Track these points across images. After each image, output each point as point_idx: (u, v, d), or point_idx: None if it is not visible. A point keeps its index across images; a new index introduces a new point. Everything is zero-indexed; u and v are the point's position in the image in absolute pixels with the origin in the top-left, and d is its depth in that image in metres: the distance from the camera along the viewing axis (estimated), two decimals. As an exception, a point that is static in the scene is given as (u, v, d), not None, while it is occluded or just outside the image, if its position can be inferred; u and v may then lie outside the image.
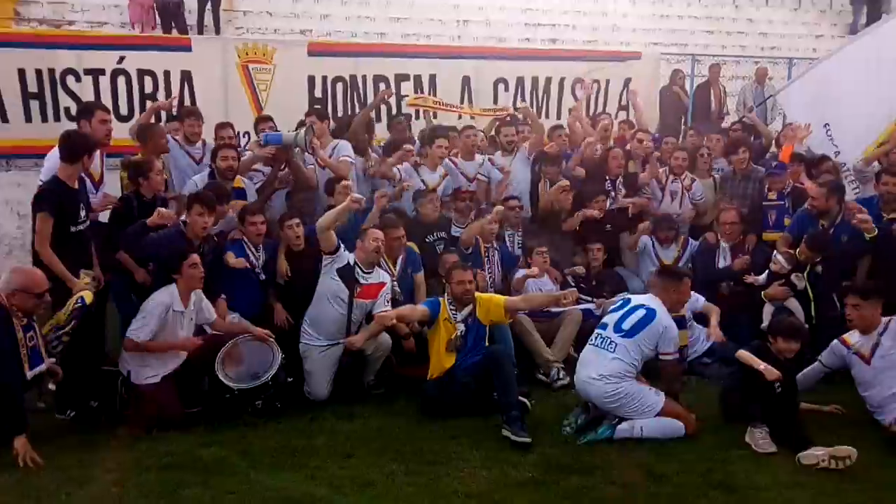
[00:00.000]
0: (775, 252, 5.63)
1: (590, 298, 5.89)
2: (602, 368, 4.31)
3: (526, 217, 6.55)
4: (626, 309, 4.46)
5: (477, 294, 4.86)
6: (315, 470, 3.82)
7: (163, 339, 4.55)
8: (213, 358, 4.62)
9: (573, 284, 6.06)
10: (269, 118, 6.73)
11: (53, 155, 4.70)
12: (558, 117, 9.13)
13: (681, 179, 6.78)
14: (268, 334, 4.83)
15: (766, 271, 5.65)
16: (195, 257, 4.62)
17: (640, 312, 4.38)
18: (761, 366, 4.16)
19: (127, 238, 4.79)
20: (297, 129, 5.90)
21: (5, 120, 7.30)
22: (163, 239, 4.79)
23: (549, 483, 3.72)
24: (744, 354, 4.29)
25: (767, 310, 5.54)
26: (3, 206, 7.74)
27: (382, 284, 5.08)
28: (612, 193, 6.64)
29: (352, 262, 5.01)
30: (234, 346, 4.73)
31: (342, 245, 5.04)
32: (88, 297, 4.26)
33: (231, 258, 5.11)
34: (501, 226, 6.15)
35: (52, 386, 4.24)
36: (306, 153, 6.03)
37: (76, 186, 4.60)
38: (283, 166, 5.94)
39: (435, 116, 7.73)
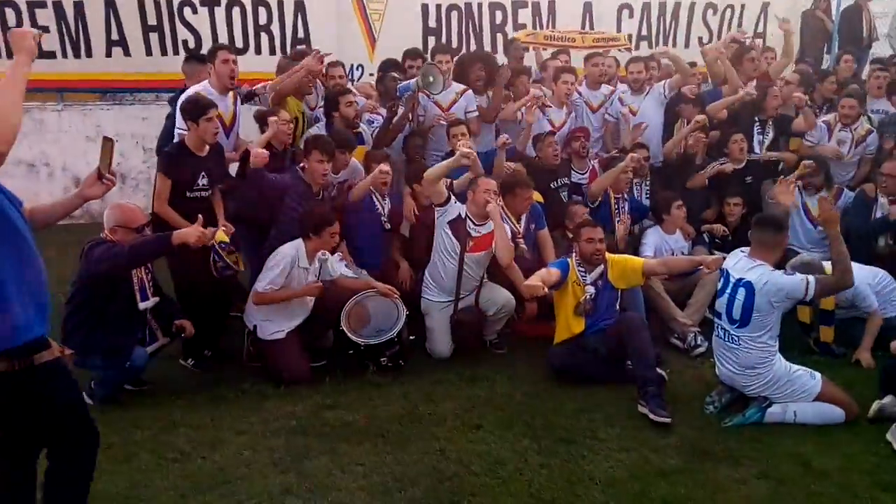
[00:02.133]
0: None
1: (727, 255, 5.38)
2: (736, 363, 3.90)
3: (655, 164, 6.02)
4: (728, 292, 3.92)
5: (609, 255, 4.51)
6: (444, 442, 3.71)
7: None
8: (337, 312, 4.58)
9: (707, 241, 5.60)
10: (395, 63, 6.29)
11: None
12: (686, 46, 8.42)
13: (851, 128, 5.98)
14: (392, 290, 4.73)
15: None
16: (337, 227, 4.49)
17: (741, 293, 3.83)
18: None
19: (248, 182, 4.70)
20: (421, 72, 5.53)
21: (127, 53, 7.45)
22: (285, 183, 4.72)
23: (693, 472, 3.44)
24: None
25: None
26: (129, 140, 7.91)
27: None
28: (761, 137, 5.95)
29: (463, 215, 4.75)
30: (358, 301, 4.67)
31: (452, 196, 4.79)
32: (220, 236, 4.20)
33: (357, 188, 4.92)
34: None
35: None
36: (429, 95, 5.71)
37: (202, 154, 4.53)
38: (412, 110, 5.67)
39: (545, 51, 7.20)
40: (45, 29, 7.28)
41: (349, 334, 4.54)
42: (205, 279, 4.28)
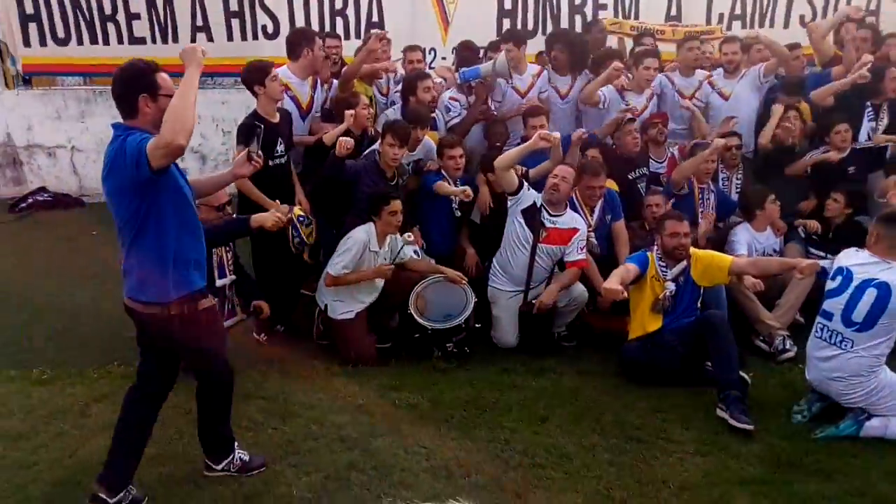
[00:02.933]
0: None
1: (824, 254, 4.99)
2: (839, 369, 3.58)
3: (747, 154, 5.66)
4: (849, 293, 3.57)
5: (693, 250, 4.25)
6: (509, 432, 3.60)
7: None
8: (406, 295, 4.57)
9: (803, 237, 5.21)
10: (469, 45, 6.20)
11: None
12: (785, 27, 7.88)
13: None
14: (461, 276, 4.67)
15: None
16: (396, 205, 4.47)
17: (871, 293, 3.50)
18: None
19: (327, 168, 4.69)
20: (491, 58, 5.45)
21: (210, 38, 7.61)
22: (359, 168, 4.74)
23: (777, 484, 3.19)
24: None
25: None
26: (210, 123, 8.12)
27: (575, 230, 4.61)
28: (874, 124, 5.49)
29: (538, 204, 4.59)
30: (427, 285, 4.65)
31: (525, 184, 4.64)
32: (298, 211, 4.25)
33: (442, 185, 4.87)
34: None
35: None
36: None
37: (275, 120, 4.58)
38: (485, 100, 5.56)
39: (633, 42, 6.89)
40: (136, 16, 7.56)
41: (417, 318, 4.50)
42: (281, 255, 4.38)
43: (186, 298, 2.86)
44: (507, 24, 7.59)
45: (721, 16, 7.78)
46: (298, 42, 5.08)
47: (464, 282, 4.64)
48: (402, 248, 4.62)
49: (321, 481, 3.20)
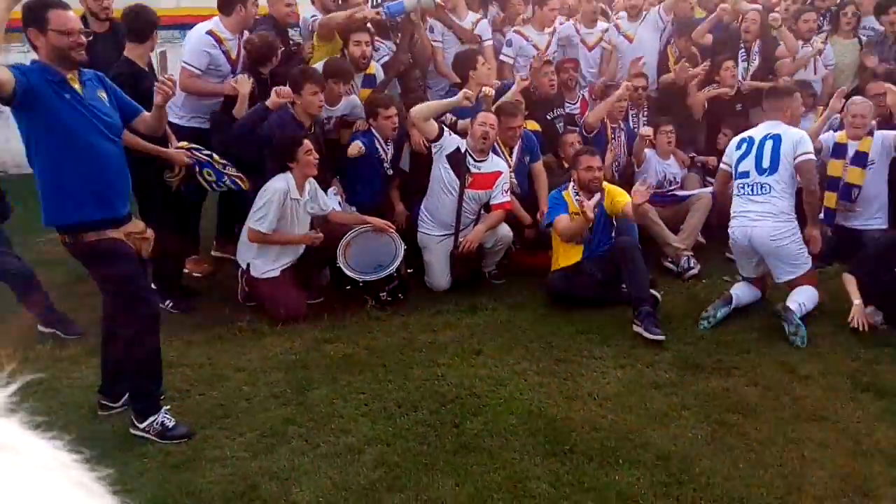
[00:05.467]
0: None
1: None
2: (767, 208, 4.22)
3: (652, 94, 6.00)
4: (755, 150, 4.31)
5: (605, 184, 4.57)
6: (444, 368, 3.82)
7: (282, 227, 4.42)
8: (333, 249, 4.56)
9: (700, 167, 5.65)
10: None
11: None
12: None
13: (811, 44, 5.92)
14: (388, 225, 4.73)
15: None
16: (308, 143, 4.41)
17: (769, 144, 4.26)
18: (856, 302, 3.98)
19: (243, 126, 4.53)
20: None
21: None
22: (276, 122, 4.58)
23: (686, 384, 3.59)
24: (848, 281, 4.05)
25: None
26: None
27: (498, 173, 4.81)
28: (746, 65, 5.92)
29: (463, 149, 4.76)
30: (355, 236, 4.66)
31: (446, 130, 4.77)
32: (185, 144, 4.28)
33: (355, 148, 4.83)
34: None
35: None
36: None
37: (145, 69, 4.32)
38: (410, 41, 5.38)
39: None
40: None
41: (346, 271, 4.52)
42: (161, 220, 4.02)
43: (72, 228, 3.01)
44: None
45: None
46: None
47: (391, 230, 4.71)
48: (321, 195, 4.60)
49: (256, 439, 3.18)
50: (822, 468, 2.94)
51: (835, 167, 4.89)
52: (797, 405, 3.40)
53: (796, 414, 3.32)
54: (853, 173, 4.78)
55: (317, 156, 4.45)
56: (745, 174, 4.31)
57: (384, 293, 4.58)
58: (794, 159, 4.18)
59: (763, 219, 4.19)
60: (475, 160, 4.77)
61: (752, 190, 4.27)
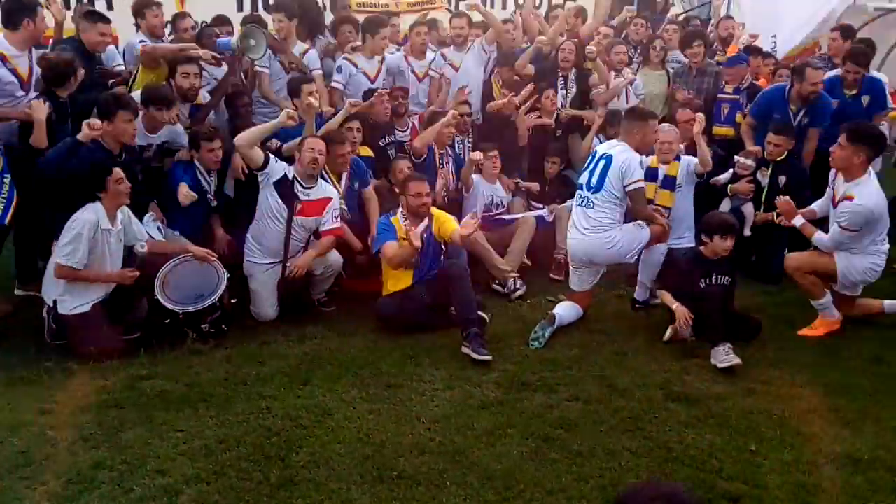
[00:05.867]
0: (737, 158, 5.49)
1: (542, 206, 5.75)
2: (589, 223, 4.45)
3: (477, 121, 6.21)
4: (591, 165, 4.54)
5: (433, 210, 4.62)
6: (270, 400, 3.63)
7: (93, 261, 4.12)
8: (150, 280, 4.28)
9: (524, 191, 5.92)
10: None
11: None
12: (504, 7, 8.65)
13: (622, 74, 6.43)
14: (209, 253, 4.49)
15: (730, 170, 5.51)
16: (119, 172, 4.15)
17: (601, 163, 4.46)
18: (674, 305, 4.32)
19: (50, 161, 4.20)
20: (246, 32, 5.17)
21: None
22: (83, 154, 4.24)
23: (512, 402, 3.66)
24: (665, 296, 4.42)
25: (725, 206, 5.49)
26: None
27: (328, 199, 4.72)
28: (564, 92, 6.33)
29: (290, 176, 4.63)
30: (174, 266, 4.38)
31: (271, 157, 4.65)
32: None
33: (183, 192, 4.57)
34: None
35: None
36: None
37: None
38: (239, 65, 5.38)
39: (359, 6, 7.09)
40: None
41: (165, 303, 4.27)
42: None
43: None
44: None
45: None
46: (19, 10, 4.45)
47: (213, 258, 4.48)
48: (136, 225, 4.35)
49: (62, 487, 2.95)
50: (637, 476, 3.08)
51: (647, 190, 5.24)
52: (615, 417, 3.56)
53: (614, 426, 3.49)
54: (663, 196, 5.09)
55: (128, 185, 4.20)
56: (581, 186, 4.58)
57: (206, 325, 4.34)
58: (624, 187, 4.39)
59: (594, 233, 4.44)
60: (304, 186, 4.65)
61: (583, 202, 4.52)
